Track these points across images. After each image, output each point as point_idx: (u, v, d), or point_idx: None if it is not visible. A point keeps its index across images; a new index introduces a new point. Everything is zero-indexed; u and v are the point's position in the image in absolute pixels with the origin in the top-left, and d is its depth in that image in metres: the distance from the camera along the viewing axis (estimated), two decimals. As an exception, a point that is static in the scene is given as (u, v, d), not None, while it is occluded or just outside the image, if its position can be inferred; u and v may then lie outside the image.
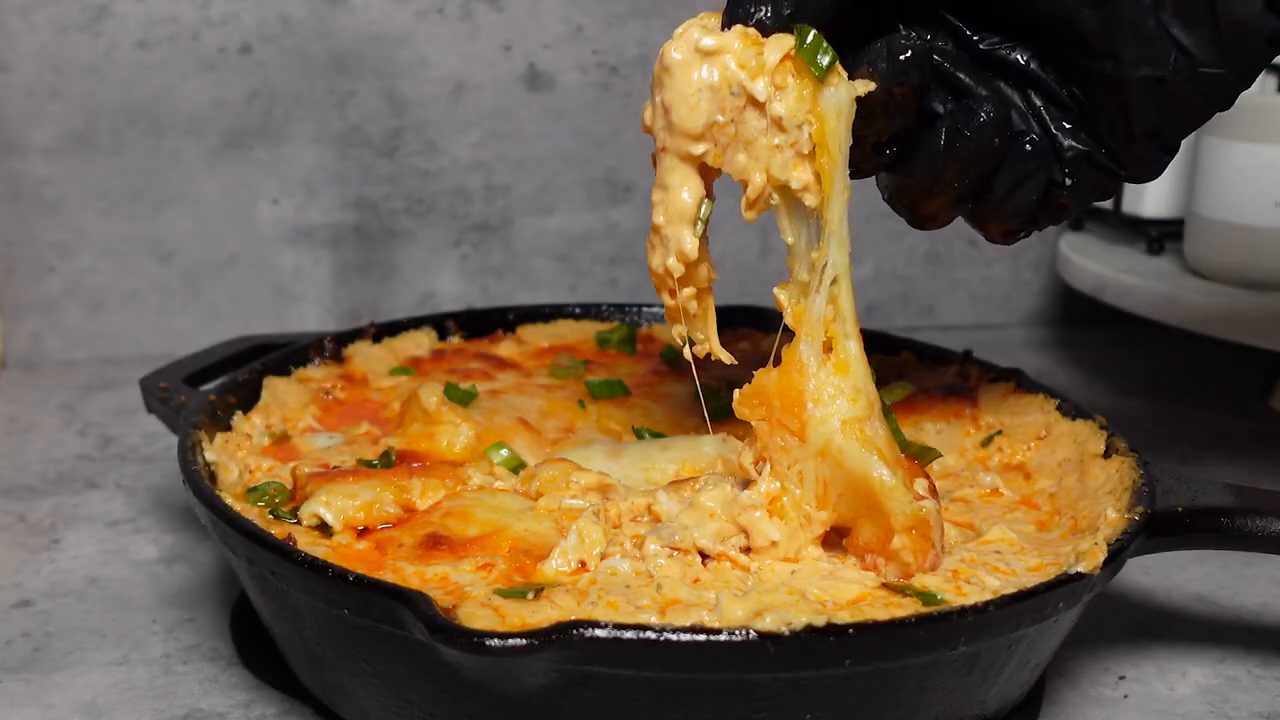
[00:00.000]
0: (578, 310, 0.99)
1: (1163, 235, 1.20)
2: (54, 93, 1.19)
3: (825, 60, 0.59)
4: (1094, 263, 1.19)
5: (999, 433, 0.79)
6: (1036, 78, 0.63)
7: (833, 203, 0.60)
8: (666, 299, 0.64)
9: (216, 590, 0.79)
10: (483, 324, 0.96)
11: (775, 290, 0.63)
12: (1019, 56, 0.63)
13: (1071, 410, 0.78)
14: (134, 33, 1.19)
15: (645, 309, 1.00)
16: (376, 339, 0.91)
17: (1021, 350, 1.35)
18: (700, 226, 0.63)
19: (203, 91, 1.22)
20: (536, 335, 0.96)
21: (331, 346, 0.88)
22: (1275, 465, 1.03)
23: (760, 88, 0.59)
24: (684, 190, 0.62)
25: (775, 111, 0.59)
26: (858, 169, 0.64)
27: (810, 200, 0.60)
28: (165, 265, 1.25)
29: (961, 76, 0.64)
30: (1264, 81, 1.20)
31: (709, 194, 0.63)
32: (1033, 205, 0.64)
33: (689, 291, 0.64)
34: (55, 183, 1.21)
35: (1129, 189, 1.22)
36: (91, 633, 0.74)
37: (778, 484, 0.62)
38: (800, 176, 0.60)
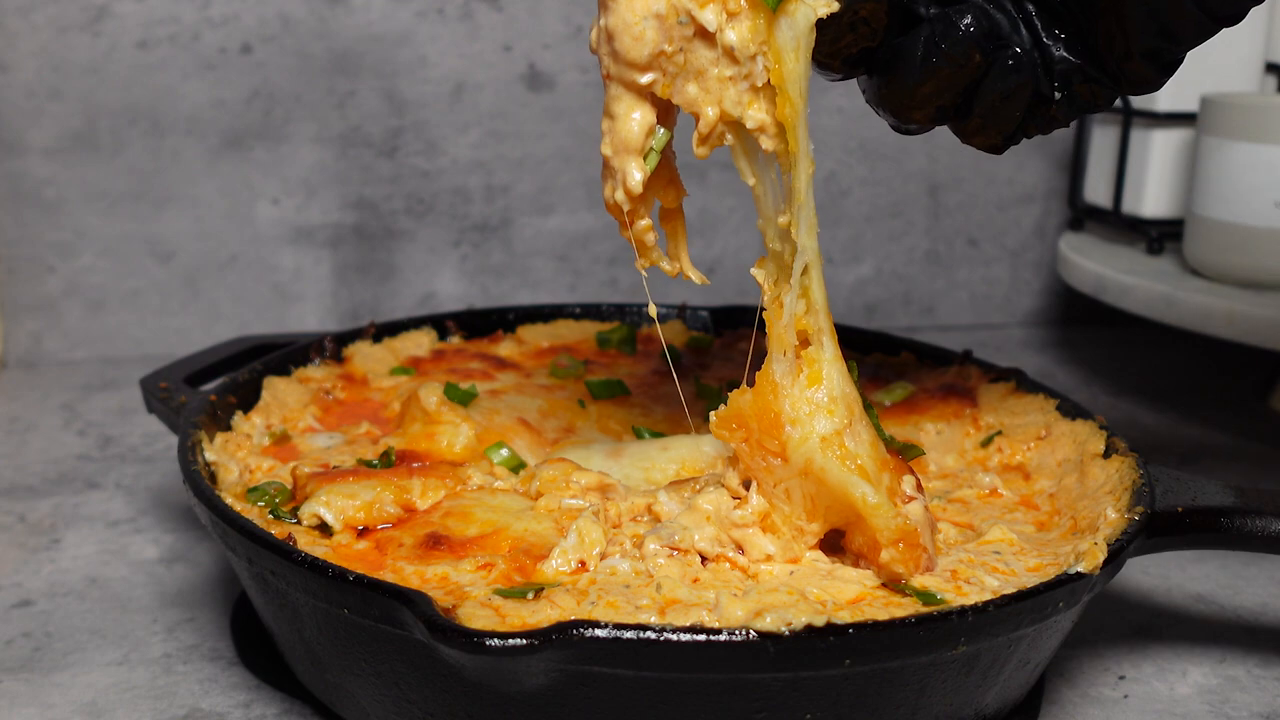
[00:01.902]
0: (578, 310, 0.99)
1: (1163, 235, 1.20)
2: (54, 93, 1.19)
3: None
4: (1094, 263, 1.19)
5: (999, 433, 0.79)
6: None
7: (799, 166, 0.58)
8: (622, 231, 0.62)
9: (216, 590, 0.79)
10: (483, 324, 0.96)
11: (752, 270, 0.61)
12: None
13: (1071, 410, 0.78)
14: (134, 33, 1.19)
15: (645, 309, 1.00)
16: (376, 339, 0.91)
17: (1021, 350, 1.35)
18: (653, 156, 0.59)
19: (203, 91, 1.22)
20: (536, 335, 0.96)
21: (331, 346, 0.88)
22: (1275, 465, 1.03)
23: (709, 16, 0.56)
24: (630, 120, 0.59)
25: (726, 41, 0.56)
26: (830, 72, 0.60)
27: (767, 144, 0.58)
28: (165, 265, 1.25)
29: None
30: (1264, 81, 1.20)
31: (665, 122, 0.60)
32: (1018, 119, 0.61)
33: (644, 224, 0.61)
34: (55, 183, 1.21)
35: (1129, 190, 1.22)
36: (91, 633, 0.74)
37: (766, 501, 0.61)
38: (755, 115, 0.57)
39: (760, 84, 0.57)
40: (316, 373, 0.86)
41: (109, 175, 1.22)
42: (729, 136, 0.58)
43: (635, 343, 0.95)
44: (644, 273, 0.64)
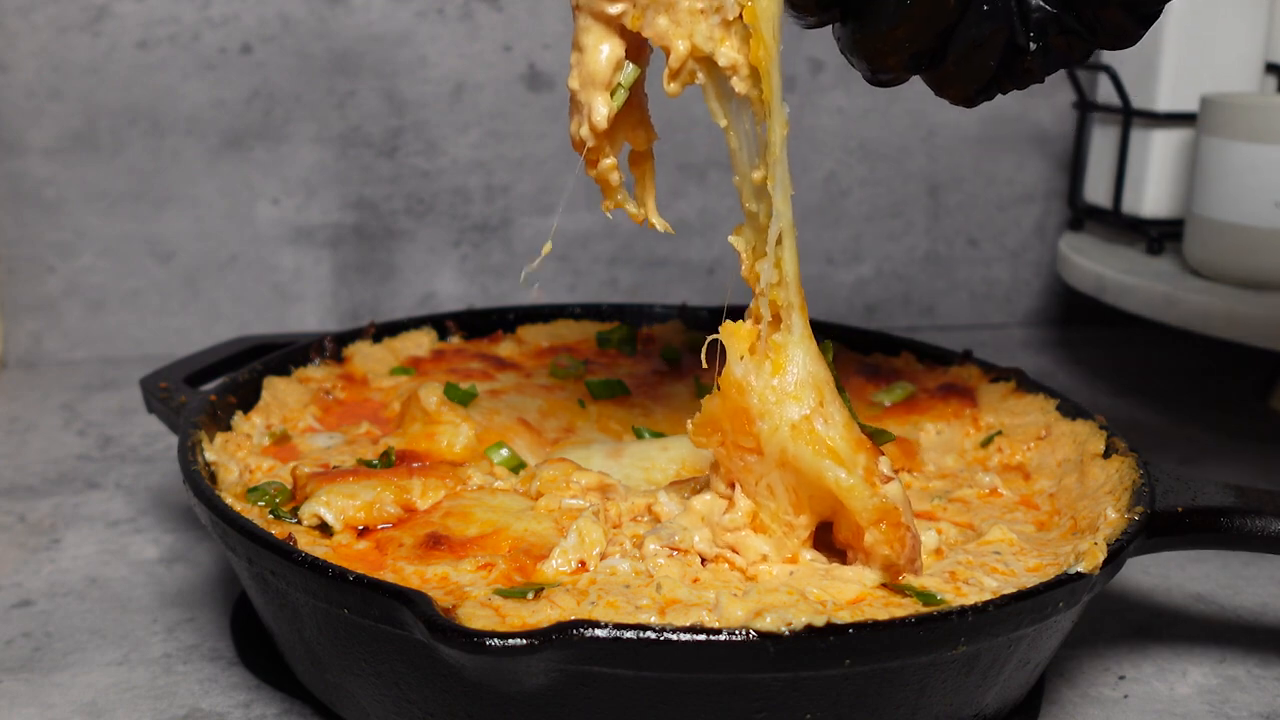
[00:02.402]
0: (578, 310, 0.99)
1: (1163, 235, 1.20)
2: (54, 93, 1.19)
3: None
4: (1094, 263, 1.19)
5: (999, 433, 0.79)
6: None
7: (774, 117, 0.56)
8: (587, 169, 0.60)
9: (216, 590, 0.79)
10: (483, 324, 0.96)
11: (730, 238, 0.60)
12: None
13: (1071, 410, 0.78)
14: (134, 33, 1.19)
15: (645, 309, 1.00)
16: (376, 339, 0.91)
17: (1021, 350, 1.35)
18: (620, 93, 0.58)
19: (203, 91, 1.22)
20: (536, 335, 0.96)
21: (331, 346, 0.88)
22: (1275, 465, 1.03)
23: None
24: (599, 52, 0.57)
25: None
26: (804, 15, 0.59)
27: (739, 86, 0.56)
28: (165, 265, 1.25)
29: None
30: (1264, 81, 1.20)
31: (636, 58, 0.58)
32: (992, 70, 0.60)
33: (608, 163, 0.60)
34: (55, 183, 1.21)
35: (1129, 190, 1.22)
36: (91, 633, 0.74)
37: (751, 501, 0.61)
38: (727, 53, 0.56)
39: (731, 17, 0.55)
40: (316, 373, 0.86)
41: (109, 175, 1.22)
42: (700, 75, 0.57)
43: (635, 343, 0.95)
44: (608, 214, 0.62)
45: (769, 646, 0.51)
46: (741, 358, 0.59)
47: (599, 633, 0.50)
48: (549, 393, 0.83)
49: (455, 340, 0.95)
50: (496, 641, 0.50)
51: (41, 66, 1.18)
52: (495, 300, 1.32)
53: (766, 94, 0.56)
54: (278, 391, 0.81)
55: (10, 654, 0.71)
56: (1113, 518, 0.64)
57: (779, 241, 0.58)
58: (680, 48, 0.56)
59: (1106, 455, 0.72)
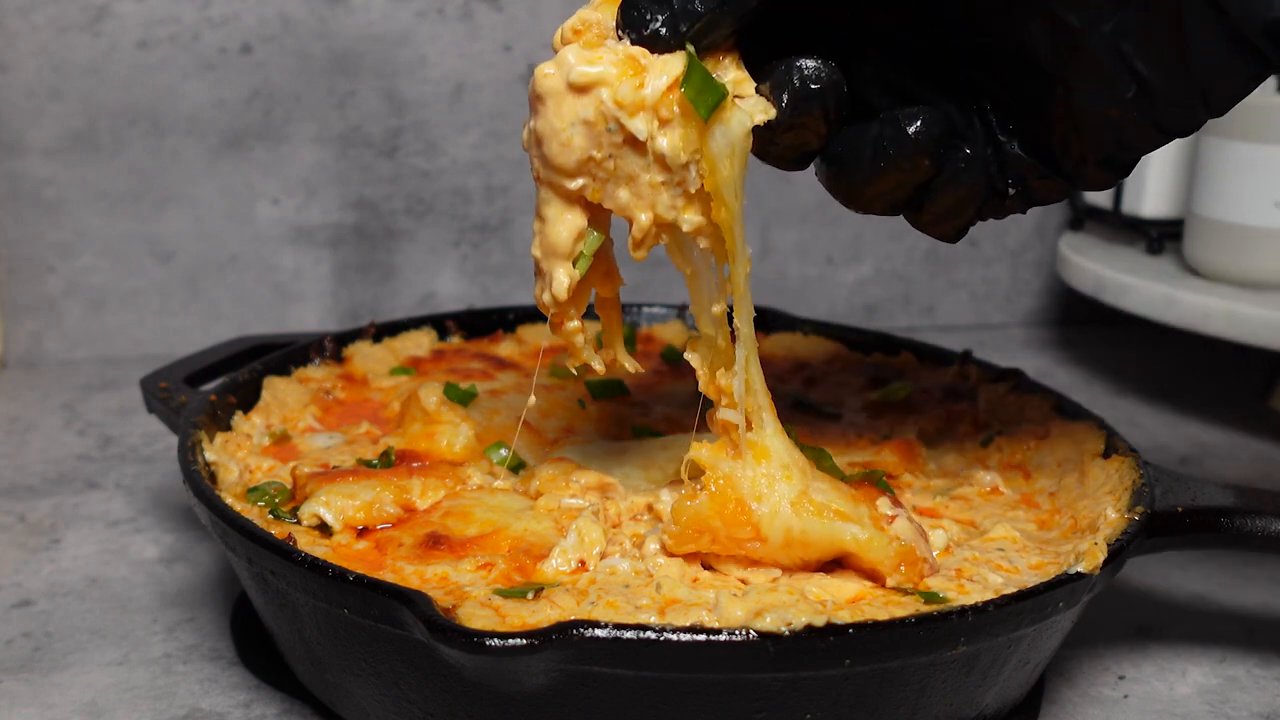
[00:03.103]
0: (578, 310, 0.99)
1: (1163, 235, 1.20)
2: (54, 93, 1.19)
3: (711, 99, 0.53)
4: (1094, 263, 1.19)
5: (999, 432, 0.79)
6: (983, 88, 0.58)
7: (737, 263, 0.57)
8: (553, 331, 0.61)
9: (216, 590, 0.79)
10: (483, 324, 0.96)
11: (686, 354, 0.60)
12: (968, 71, 0.58)
13: (1071, 410, 0.78)
14: (134, 33, 1.19)
15: (645, 309, 1.00)
16: (376, 339, 0.91)
17: (1021, 350, 1.35)
18: (583, 262, 0.58)
19: (203, 91, 1.22)
20: (536, 335, 0.96)
21: (331, 346, 0.88)
22: (1275, 465, 1.03)
23: (639, 125, 0.54)
24: (560, 225, 0.57)
25: (658, 149, 0.54)
26: (775, 165, 0.59)
27: (703, 244, 0.57)
28: (165, 265, 1.25)
29: (897, 78, 0.59)
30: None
31: (599, 224, 0.59)
32: (972, 216, 0.60)
33: (573, 325, 0.61)
34: (55, 183, 1.21)
35: (1129, 190, 1.22)
36: (91, 633, 0.74)
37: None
38: (691, 219, 0.56)
39: (694, 190, 0.55)
40: (316, 373, 0.86)
41: (109, 175, 1.22)
42: (664, 237, 0.57)
43: (635, 343, 0.95)
44: (574, 370, 0.63)
45: (769, 646, 0.51)
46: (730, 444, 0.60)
47: (599, 633, 0.50)
48: (549, 393, 0.83)
49: (455, 340, 0.95)
50: (496, 641, 0.50)
51: (41, 66, 1.18)
52: (495, 300, 1.32)
53: (730, 246, 0.57)
54: (278, 391, 0.81)
55: (10, 654, 0.71)
56: (1113, 518, 0.64)
57: (746, 362, 0.59)
58: (643, 219, 0.56)
59: (1106, 455, 0.72)
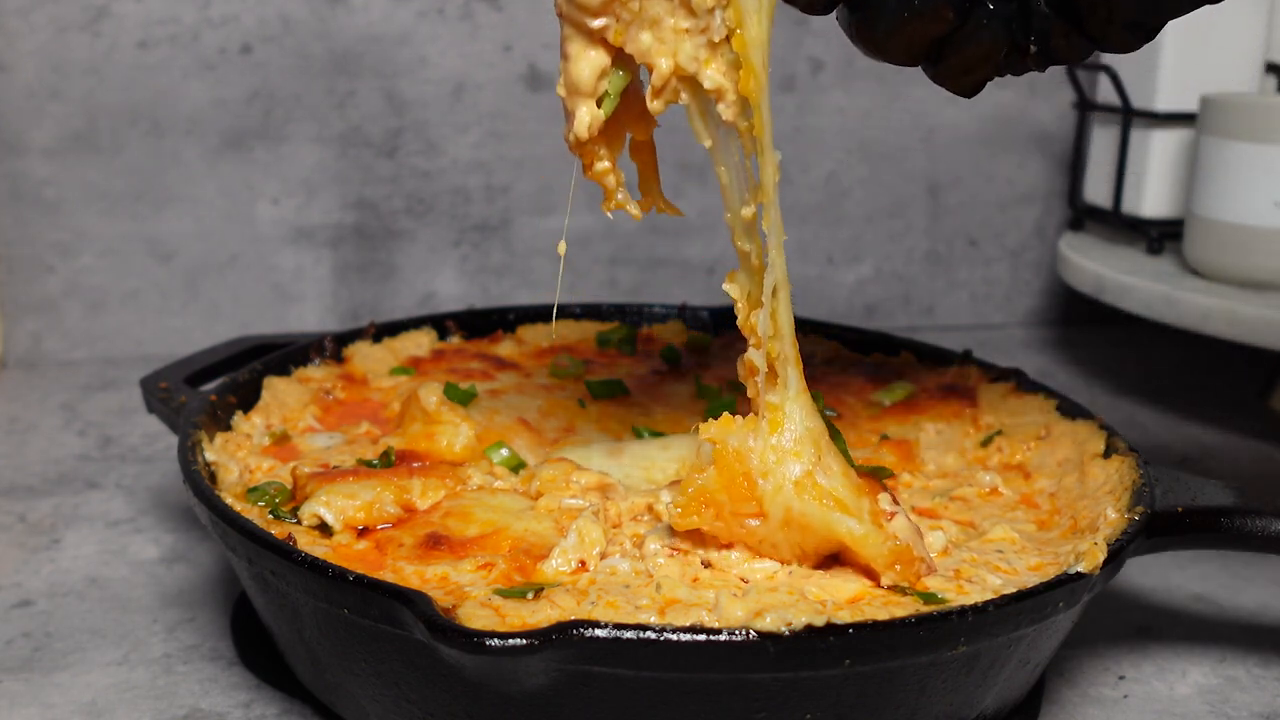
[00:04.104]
0: (578, 310, 0.99)
1: (1163, 235, 1.20)
2: (54, 93, 1.19)
3: None
4: (1094, 263, 1.19)
5: (999, 433, 0.79)
6: None
7: (765, 155, 0.55)
8: (585, 172, 0.59)
9: (216, 590, 0.79)
10: (483, 324, 0.96)
11: (725, 285, 0.59)
12: None
13: (1071, 410, 0.78)
14: (134, 33, 1.19)
15: (645, 309, 1.00)
16: (376, 339, 0.91)
17: (1021, 350, 1.35)
18: (609, 101, 0.57)
19: (203, 91, 1.22)
20: (536, 335, 0.96)
21: (331, 346, 0.88)
22: (1275, 465, 1.03)
23: None
24: (582, 62, 0.56)
25: None
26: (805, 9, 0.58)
27: (726, 113, 0.55)
28: (165, 265, 1.25)
29: None
30: (1264, 81, 1.20)
31: (624, 64, 0.57)
32: (991, 72, 0.59)
33: (603, 166, 0.59)
34: (55, 183, 1.21)
35: (1129, 190, 1.22)
36: (91, 633, 0.74)
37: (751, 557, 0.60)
38: (713, 76, 0.55)
39: (718, 39, 0.54)
40: (316, 373, 0.86)
41: (109, 175, 1.22)
42: (684, 94, 0.56)
43: (635, 343, 0.95)
44: (609, 214, 0.61)
45: (769, 646, 0.51)
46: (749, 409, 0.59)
47: (599, 633, 0.50)
48: (549, 393, 0.83)
49: (455, 340, 0.95)
50: (496, 641, 0.50)
51: (41, 66, 1.18)
52: (495, 300, 1.32)
53: (758, 129, 0.55)
54: (278, 391, 0.81)
55: (10, 654, 0.71)
56: (1113, 518, 0.64)
57: (774, 293, 0.58)
58: (663, 66, 0.55)
59: (1106, 455, 0.72)
